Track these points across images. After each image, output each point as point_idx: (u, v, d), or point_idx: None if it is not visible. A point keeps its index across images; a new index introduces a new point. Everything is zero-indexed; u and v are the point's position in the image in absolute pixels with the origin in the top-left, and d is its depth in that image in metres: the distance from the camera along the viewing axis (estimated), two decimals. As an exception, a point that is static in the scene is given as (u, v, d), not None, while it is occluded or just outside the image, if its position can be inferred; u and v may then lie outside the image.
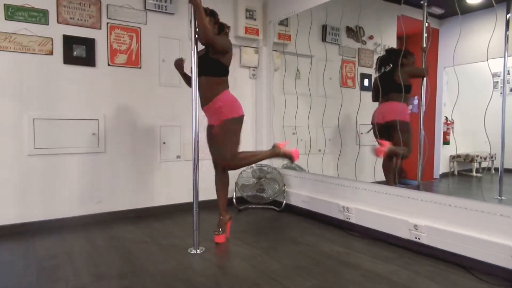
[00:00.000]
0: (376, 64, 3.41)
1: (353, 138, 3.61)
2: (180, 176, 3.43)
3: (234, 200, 3.56)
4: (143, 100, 3.24)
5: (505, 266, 1.91)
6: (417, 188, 2.82)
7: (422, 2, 2.87)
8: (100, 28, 3.01)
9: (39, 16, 2.76)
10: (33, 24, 2.75)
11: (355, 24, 3.87)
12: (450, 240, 2.15)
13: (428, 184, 3.50)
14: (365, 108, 3.23)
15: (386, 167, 3.14)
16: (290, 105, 3.66)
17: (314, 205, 3.18)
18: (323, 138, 3.46)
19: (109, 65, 3.07)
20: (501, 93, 3.00)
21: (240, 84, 3.76)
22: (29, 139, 2.76)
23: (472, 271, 2.03)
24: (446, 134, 3.81)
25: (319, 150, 3.53)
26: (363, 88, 3.76)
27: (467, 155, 3.87)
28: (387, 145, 2.92)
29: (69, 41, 2.88)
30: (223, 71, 2.46)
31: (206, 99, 2.46)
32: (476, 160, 3.85)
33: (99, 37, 3.01)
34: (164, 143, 3.35)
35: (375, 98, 3.27)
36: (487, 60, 2.21)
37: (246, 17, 3.65)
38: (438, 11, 3.42)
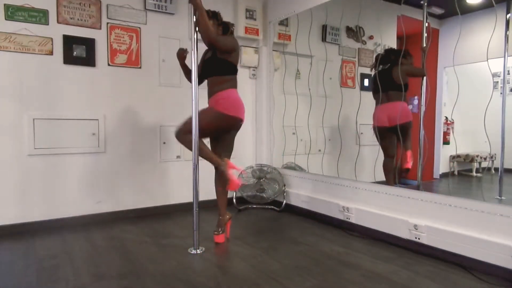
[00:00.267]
0: (374, 62, 3.42)
1: (353, 138, 3.61)
2: (180, 176, 3.43)
3: (234, 200, 3.56)
4: (143, 100, 3.24)
5: (505, 266, 1.91)
6: (417, 188, 2.82)
7: (422, 2, 2.87)
8: (100, 28, 3.01)
9: (39, 16, 2.76)
10: (33, 24, 2.75)
11: (355, 24, 3.87)
12: (450, 240, 2.15)
13: (428, 184, 3.49)
14: (365, 108, 3.23)
15: (386, 168, 3.14)
16: (290, 105, 3.66)
17: (314, 205, 3.18)
18: (323, 138, 3.46)
19: (109, 65, 3.07)
20: (501, 93, 3.00)
21: (240, 84, 3.72)
22: (29, 139, 2.76)
23: (472, 271, 2.03)
24: (446, 134, 3.81)
25: (319, 150, 3.53)
26: (363, 88, 3.76)
27: (467, 155, 3.87)
28: (411, 158, 2.99)
29: (69, 41, 2.88)
30: (231, 69, 2.47)
31: (210, 94, 2.50)
32: (476, 160, 3.85)
33: (99, 37, 3.01)
34: (164, 143, 3.35)
35: (374, 95, 3.28)
36: (487, 60, 2.21)
37: (246, 17, 3.65)
38: (438, 11, 3.42)
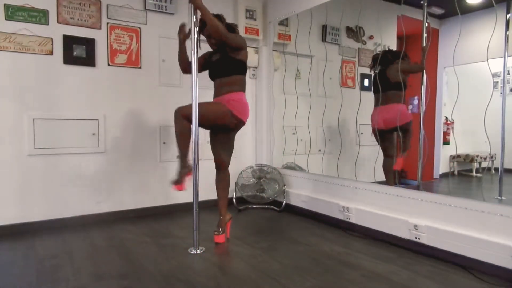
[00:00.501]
0: (371, 62, 3.43)
1: (353, 138, 3.61)
2: (180, 176, 3.42)
3: (234, 200, 3.56)
4: (143, 100, 3.24)
5: (505, 266, 1.91)
6: (417, 188, 2.82)
7: (422, 2, 2.87)
8: (100, 28, 3.01)
9: (39, 16, 2.76)
10: (33, 24, 2.75)
11: (355, 24, 3.87)
12: (450, 240, 2.15)
13: (428, 184, 3.49)
14: (365, 108, 3.23)
15: (386, 167, 3.14)
16: (290, 105, 3.66)
17: (314, 205, 3.18)
18: (323, 138, 3.46)
19: (109, 65, 3.07)
20: (501, 93, 3.00)
21: (240, 84, 3.75)
22: (29, 139, 2.76)
23: (472, 271, 2.03)
24: (446, 134, 3.80)
25: (319, 150, 3.53)
26: (363, 88, 3.76)
27: (467, 155, 3.87)
28: (400, 164, 2.98)
29: (69, 41, 2.88)
30: (242, 68, 2.47)
31: (223, 91, 2.46)
32: (476, 160, 3.84)
33: (99, 37, 3.01)
34: (164, 143, 3.35)
35: (374, 96, 3.28)
36: (487, 60, 2.21)
37: (246, 17, 3.66)
38: (438, 11, 3.42)
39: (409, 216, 2.42)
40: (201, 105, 2.31)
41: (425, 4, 2.86)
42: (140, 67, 3.21)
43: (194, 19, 2.29)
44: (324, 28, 3.76)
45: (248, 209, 3.54)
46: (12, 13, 2.67)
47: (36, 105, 2.79)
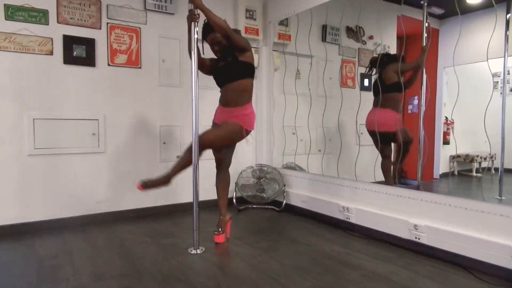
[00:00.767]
0: (368, 64, 3.44)
1: (353, 138, 3.61)
2: (180, 176, 3.41)
3: (234, 200, 3.56)
4: (143, 100, 3.24)
5: (505, 266, 1.91)
6: (417, 188, 2.82)
7: (422, 2, 2.87)
8: (100, 28, 3.01)
9: (39, 16, 2.76)
10: (33, 24, 2.75)
11: (355, 24, 3.87)
12: (450, 240, 2.15)
13: (428, 184, 3.49)
14: (365, 108, 3.23)
15: (383, 168, 3.14)
16: (290, 105, 3.66)
17: (314, 205, 3.18)
18: (323, 138, 3.46)
19: (109, 65, 3.07)
20: (501, 93, 3.00)
21: (240, 84, 3.75)
22: (29, 139, 2.76)
23: (472, 271, 2.03)
24: (446, 134, 3.81)
25: (319, 150, 3.53)
26: (363, 88, 3.76)
27: (467, 155, 3.87)
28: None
29: (69, 41, 2.88)
30: (251, 71, 2.46)
31: (232, 102, 2.43)
32: (476, 160, 3.85)
33: (99, 37, 3.01)
34: (164, 143, 3.35)
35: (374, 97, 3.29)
36: (487, 60, 2.21)
37: (246, 17, 3.65)
38: (438, 11, 3.42)
39: (409, 216, 2.42)
40: (219, 135, 2.39)
41: (425, 4, 2.86)
42: (140, 67, 3.21)
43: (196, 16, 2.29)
44: (324, 28, 3.76)
45: (248, 209, 3.54)
46: (12, 13, 2.67)
47: (36, 105, 2.79)
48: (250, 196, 3.58)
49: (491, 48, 2.21)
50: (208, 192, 3.30)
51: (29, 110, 2.75)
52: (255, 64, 3.80)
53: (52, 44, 2.82)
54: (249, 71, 2.45)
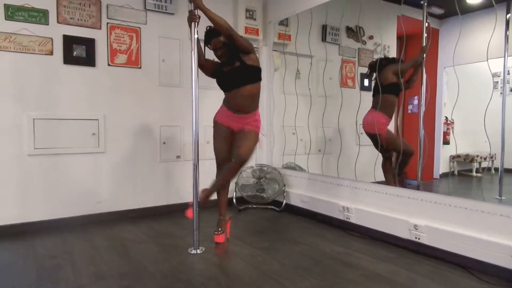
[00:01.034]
0: (368, 70, 3.45)
1: (353, 138, 3.61)
2: (180, 176, 3.43)
3: (234, 200, 3.56)
4: (143, 100, 3.24)
5: (505, 266, 1.91)
6: (417, 188, 2.82)
7: (422, 2, 2.87)
8: (100, 28, 3.01)
9: (39, 16, 2.76)
10: (33, 24, 2.75)
11: (355, 24, 3.87)
12: (450, 240, 2.15)
13: (428, 184, 3.50)
14: (365, 108, 3.23)
15: (384, 168, 3.14)
16: (290, 105, 3.66)
17: (314, 205, 3.18)
18: (323, 138, 3.46)
19: (109, 65, 3.07)
20: (501, 93, 3.00)
21: (240, 84, 3.75)
22: (29, 139, 2.76)
23: (472, 271, 2.03)
24: (446, 134, 3.81)
25: (319, 150, 3.53)
26: (363, 88, 3.76)
27: (467, 155, 3.87)
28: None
29: (69, 41, 2.88)
30: (258, 74, 2.45)
31: (244, 108, 2.44)
32: (476, 160, 3.85)
33: (99, 37, 3.01)
34: (164, 143, 3.35)
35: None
36: (487, 60, 2.21)
37: (246, 17, 3.65)
38: (438, 11, 3.42)
39: (409, 216, 2.42)
40: (252, 147, 2.43)
41: (425, 4, 2.86)
42: (140, 67, 3.21)
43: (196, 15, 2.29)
44: (324, 28, 3.76)
45: (248, 209, 3.54)
46: (12, 13, 2.67)
47: (36, 105, 2.79)
48: (250, 196, 3.58)
49: (491, 48, 2.21)
50: (208, 192, 3.30)
51: (29, 110, 2.75)
52: (255, 64, 3.80)
53: (52, 44, 2.82)
54: (257, 75, 2.44)
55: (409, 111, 3.87)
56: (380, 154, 3.13)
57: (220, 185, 2.53)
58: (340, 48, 3.87)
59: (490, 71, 2.27)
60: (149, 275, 1.99)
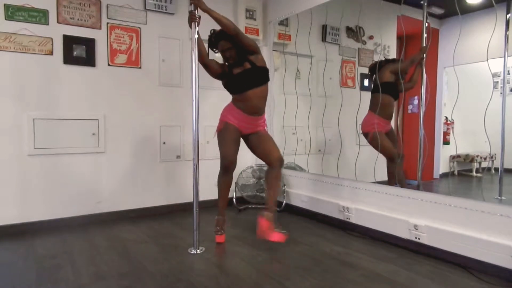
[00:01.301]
0: (368, 72, 3.46)
1: (353, 138, 3.61)
2: (180, 176, 3.43)
3: (234, 200, 3.56)
4: (143, 100, 3.24)
5: (505, 266, 1.91)
6: (417, 188, 2.82)
7: (422, 2, 2.87)
8: (100, 28, 3.01)
9: (39, 16, 2.76)
10: (33, 24, 2.75)
11: (355, 24, 3.87)
12: (450, 240, 2.15)
13: (428, 184, 3.49)
14: (365, 108, 3.23)
15: (388, 171, 3.13)
16: (290, 105, 3.65)
17: (314, 205, 3.18)
18: (323, 138, 3.46)
19: (109, 65, 3.07)
20: (501, 93, 3.00)
21: (240, 84, 3.75)
22: (29, 139, 2.76)
23: (472, 271, 2.03)
24: (446, 134, 3.81)
25: (319, 150, 3.53)
26: (363, 88, 3.76)
27: (467, 155, 3.87)
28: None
29: (69, 41, 2.88)
30: (268, 75, 2.50)
31: (259, 110, 2.50)
32: (476, 160, 3.85)
33: (99, 37, 3.01)
34: (164, 143, 3.35)
35: None
36: (487, 60, 2.21)
37: (246, 17, 3.65)
38: (438, 11, 3.42)
39: (409, 216, 2.42)
40: (277, 146, 2.57)
41: (425, 4, 2.86)
42: (140, 67, 3.21)
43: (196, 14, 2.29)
44: (324, 28, 3.76)
45: (248, 209, 3.54)
46: (12, 13, 2.67)
47: (36, 105, 2.79)
48: (250, 196, 3.58)
49: (491, 48, 2.21)
50: (208, 192, 3.31)
51: (29, 110, 2.75)
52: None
53: (52, 44, 2.82)
54: (268, 76, 2.49)
55: (409, 111, 3.87)
56: (380, 154, 3.13)
57: (276, 197, 2.54)
58: (340, 48, 3.87)
59: (490, 71, 2.27)
60: (149, 275, 1.99)
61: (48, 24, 2.80)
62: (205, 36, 2.43)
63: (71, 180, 2.94)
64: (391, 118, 3.16)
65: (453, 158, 3.94)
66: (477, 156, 3.84)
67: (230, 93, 2.53)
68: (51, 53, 2.83)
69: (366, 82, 3.85)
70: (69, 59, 2.89)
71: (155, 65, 3.28)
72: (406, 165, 3.29)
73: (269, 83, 3.74)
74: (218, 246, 2.48)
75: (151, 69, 3.26)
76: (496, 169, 2.93)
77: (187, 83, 3.39)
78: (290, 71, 3.77)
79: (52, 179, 2.86)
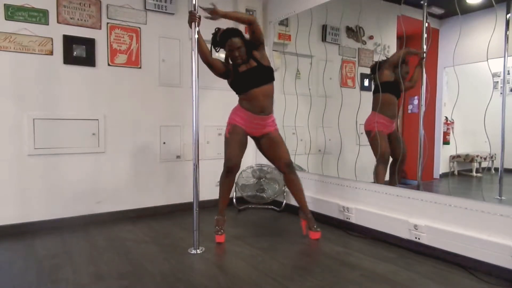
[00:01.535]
0: (370, 72, 3.47)
1: (353, 138, 3.61)
2: (180, 176, 3.43)
3: (234, 200, 3.56)
4: (143, 100, 3.24)
5: (505, 266, 1.91)
6: (417, 188, 2.82)
7: (422, 2, 2.87)
8: (100, 28, 3.01)
9: (39, 16, 2.76)
10: (33, 24, 2.75)
11: (355, 24, 3.87)
12: (450, 240, 2.15)
13: (428, 184, 3.49)
14: (365, 108, 3.23)
15: (377, 171, 3.12)
16: (290, 105, 3.65)
17: (314, 205, 3.17)
18: (323, 138, 3.46)
19: (109, 65, 3.07)
20: (501, 93, 3.00)
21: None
22: (29, 139, 2.76)
23: (472, 271, 2.03)
24: (446, 134, 3.80)
25: (319, 150, 3.52)
26: (363, 88, 3.75)
27: (467, 155, 3.87)
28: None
29: (69, 41, 2.88)
30: (273, 74, 2.52)
31: (267, 108, 2.51)
32: (476, 160, 3.84)
33: (99, 37, 3.01)
34: (164, 143, 3.35)
35: None
36: (487, 60, 2.21)
37: (246, 17, 3.65)
38: (438, 11, 3.42)
39: (409, 216, 2.42)
40: (285, 150, 2.65)
41: (425, 4, 2.86)
42: (140, 67, 3.21)
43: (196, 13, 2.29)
44: (324, 28, 3.76)
45: (248, 209, 3.54)
46: (12, 13, 2.67)
47: (36, 105, 2.79)
48: (250, 196, 3.58)
49: (491, 48, 2.21)
50: (208, 192, 3.31)
51: (29, 110, 2.75)
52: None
53: (52, 44, 2.82)
54: (273, 75, 2.52)
55: (409, 111, 3.87)
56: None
57: (303, 200, 2.65)
58: (340, 48, 3.87)
59: (490, 71, 2.27)
60: (149, 275, 1.99)
61: (48, 24, 2.80)
62: (205, 36, 2.42)
63: (71, 180, 2.94)
64: (395, 117, 3.15)
65: (453, 158, 3.94)
66: (477, 156, 3.84)
67: (236, 92, 2.54)
68: (51, 53, 2.83)
69: (366, 82, 3.84)
70: (69, 59, 2.89)
71: (155, 65, 3.28)
72: (406, 165, 3.28)
73: (269, 83, 3.78)
74: (218, 246, 2.48)
75: (151, 69, 3.26)
76: (496, 169, 2.92)
77: (187, 83, 3.39)
78: (290, 71, 3.76)
79: (52, 179, 2.86)
